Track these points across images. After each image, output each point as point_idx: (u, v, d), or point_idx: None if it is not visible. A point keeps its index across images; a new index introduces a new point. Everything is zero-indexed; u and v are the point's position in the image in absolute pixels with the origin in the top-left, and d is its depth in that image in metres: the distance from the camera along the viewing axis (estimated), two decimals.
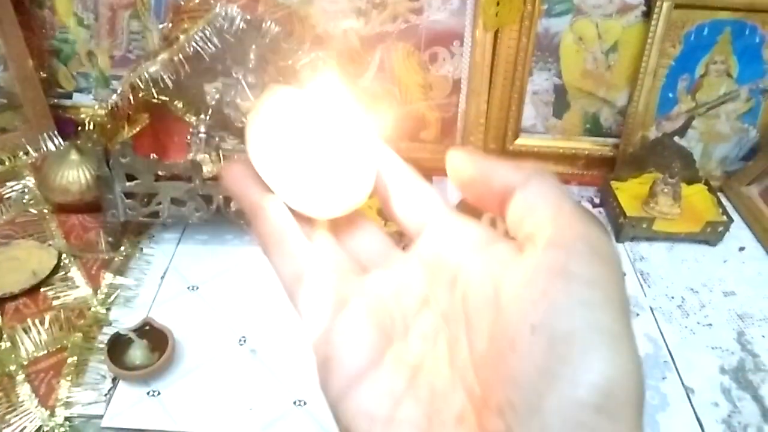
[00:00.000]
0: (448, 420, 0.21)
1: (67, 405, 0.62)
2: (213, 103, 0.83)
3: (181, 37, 0.77)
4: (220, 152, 0.81)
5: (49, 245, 0.81)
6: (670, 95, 0.98)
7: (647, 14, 0.92)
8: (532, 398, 0.18)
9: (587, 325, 0.18)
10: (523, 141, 1.04)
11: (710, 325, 0.78)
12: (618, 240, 0.90)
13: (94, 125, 0.80)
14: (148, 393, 0.64)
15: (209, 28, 0.76)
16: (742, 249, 0.90)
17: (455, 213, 0.26)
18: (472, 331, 0.22)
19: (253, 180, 0.26)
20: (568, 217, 0.21)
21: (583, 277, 0.19)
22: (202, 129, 0.82)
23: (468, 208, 0.31)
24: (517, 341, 0.19)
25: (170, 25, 0.82)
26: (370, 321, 0.24)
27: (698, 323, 0.78)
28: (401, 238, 0.80)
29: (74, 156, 0.85)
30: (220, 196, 0.77)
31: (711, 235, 0.89)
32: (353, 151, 0.26)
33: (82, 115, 1.00)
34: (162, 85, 0.78)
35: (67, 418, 0.62)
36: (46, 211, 0.87)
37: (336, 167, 0.26)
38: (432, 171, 1.00)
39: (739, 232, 0.93)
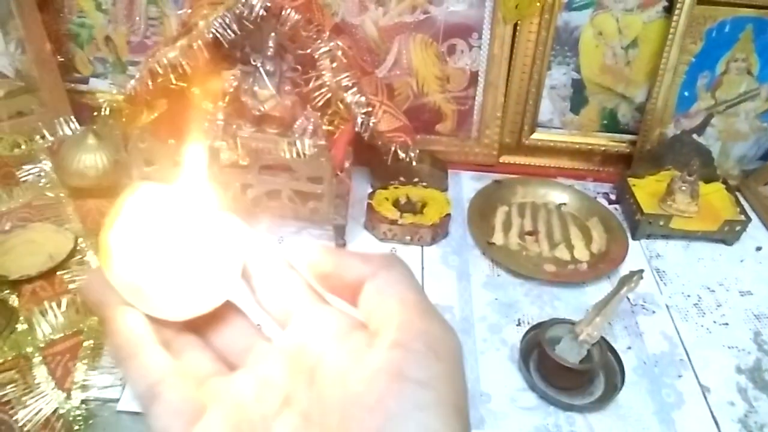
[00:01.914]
0: None
1: (84, 388, 0.63)
2: (231, 90, 0.83)
3: (201, 23, 0.76)
4: (237, 140, 0.81)
5: (66, 229, 0.81)
6: (689, 92, 0.97)
7: (669, 10, 0.91)
8: None
9: (420, 429, 0.19)
10: (540, 135, 1.03)
11: (726, 324, 0.77)
12: (634, 237, 0.89)
13: (111, 110, 0.80)
14: None
15: (228, 15, 0.75)
16: (759, 249, 0.90)
17: (321, 302, 0.26)
18: (325, 431, 0.22)
19: (109, 290, 0.25)
20: (411, 313, 0.22)
21: (417, 380, 0.20)
22: (220, 116, 0.82)
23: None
24: None
25: (189, 10, 0.82)
26: (229, 429, 0.23)
27: (714, 322, 0.77)
28: (416, 232, 0.79)
29: (91, 140, 0.85)
30: (237, 184, 0.77)
31: (728, 234, 0.89)
32: (213, 251, 0.26)
33: (99, 100, 1.00)
34: (180, 71, 0.77)
35: (83, 401, 0.62)
36: (62, 195, 0.87)
37: (189, 270, 0.26)
38: (447, 164, 1.01)
39: (756, 231, 0.92)
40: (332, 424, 0.22)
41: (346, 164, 0.82)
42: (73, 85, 1.03)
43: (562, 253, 0.85)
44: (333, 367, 0.23)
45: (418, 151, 0.87)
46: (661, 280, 0.83)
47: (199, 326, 0.27)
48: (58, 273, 0.75)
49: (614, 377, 0.67)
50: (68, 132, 0.94)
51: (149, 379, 0.24)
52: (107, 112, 0.84)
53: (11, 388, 0.62)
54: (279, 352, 0.26)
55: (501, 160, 1.04)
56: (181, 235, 0.26)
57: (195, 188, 0.27)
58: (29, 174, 0.89)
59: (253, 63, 0.81)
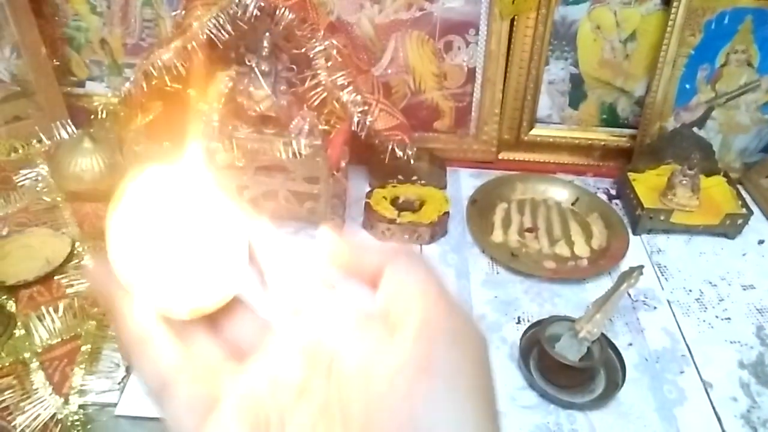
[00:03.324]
0: None
1: (81, 393, 0.62)
2: (226, 90, 0.82)
3: (195, 24, 0.76)
4: (233, 141, 0.80)
5: (63, 233, 0.81)
6: (689, 85, 0.97)
7: (667, 2, 0.91)
8: None
9: (451, 418, 0.20)
10: (539, 131, 1.03)
11: (729, 319, 0.76)
12: (635, 232, 0.88)
13: (107, 113, 0.80)
14: None
15: (222, 15, 0.75)
16: (761, 242, 0.89)
17: (332, 291, 0.26)
18: (348, 421, 0.22)
19: (116, 282, 0.25)
20: (433, 303, 0.22)
21: (446, 372, 0.20)
22: (215, 117, 0.81)
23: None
24: None
25: (183, 12, 0.81)
26: (243, 420, 0.23)
27: (717, 317, 0.77)
28: (415, 231, 0.79)
29: (87, 144, 0.85)
30: (233, 185, 0.77)
31: (730, 227, 0.88)
32: (221, 242, 0.25)
33: (95, 103, 1.00)
34: (175, 73, 0.77)
35: (81, 406, 0.62)
36: (59, 199, 0.86)
37: (198, 265, 0.25)
38: (445, 161, 1.01)
39: (758, 225, 0.91)
40: (354, 414, 0.21)
41: (343, 164, 0.81)
42: (69, 88, 1.03)
43: (562, 249, 0.85)
44: (353, 359, 0.23)
45: (415, 149, 0.87)
46: (663, 276, 0.82)
47: (209, 317, 0.26)
48: (55, 278, 0.75)
49: (615, 374, 0.67)
50: (65, 136, 0.94)
51: (160, 374, 0.24)
52: (103, 115, 0.84)
53: (9, 393, 0.62)
54: (292, 343, 0.25)
55: (500, 157, 1.04)
56: (187, 225, 0.25)
57: (199, 178, 0.26)
58: (26, 178, 0.89)
59: (248, 63, 0.81)
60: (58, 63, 1.00)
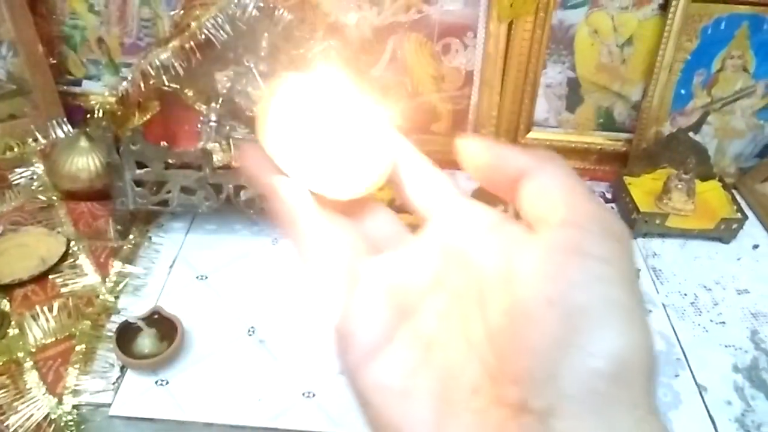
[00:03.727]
0: (464, 390, 0.22)
1: (75, 393, 0.62)
2: (224, 91, 0.82)
3: (193, 24, 0.76)
4: (231, 141, 0.80)
5: (58, 232, 0.80)
6: (685, 90, 0.97)
7: (664, 7, 0.91)
8: (548, 367, 0.19)
9: (602, 299, 0.19)
10: (535, 135, 1.03)
11: (723, 323, 0.77)
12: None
13: (104, 112, 0.79)
14: (156, 382, 0.64)
15: (221, 15, 0.75)
16: (756, 247, 0.89)
17: (466, 198, 0.26)
18: (486, 306, 0.22)
19: (267, 163, 0.26)
20: (581, 200, 0.22)
21: (597, 255, 0.20)
22: (213, 117, 0.81)
23: (484, 196, 0.31)
24: (534, 314, 0.20)
25: (182, 11, 0.81)
26: (384, 297, 0.24)
27: (711, 321, 0.77)
28: (413, 233, 0.79)
29: (84, 143, 0.85)
30: (230, 186, 0.77)
31: (725, 232, 0.88)
32: (368, 136, 0.27)
33: (92, 102, 0.99)
34: (173, 73, 0.77)
35: (75, 406, 0.61)
36: (54, 198, 0.86)
37: (351, 149, 0.26)
38: (443, 164, 1.00)
39: (753, 229, 0.92)
40: (494, 299, 0.22)
41: None
42: (65, 87, 1.02)
43: None
44: (491, 252, 0.23)
45: None
46: (658, 279, 0.83)
47: (348, 212, 0.27)
48: (50, 277, 0.74)
49: None
50: (61, 134, 0.94)
51: (311, 242, 0.25)
52: (100, 115, 0.83)
53: (2, 393, 0.62)
54: (428, 238, 0.26)
55: None
56: (334, 120, 0.27)
57: (344, 82, 0.27)
58: (21, 177, 0.88)
59: (246, 64, 0.81)
60: (54, 61, 0.99)
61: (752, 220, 0.92)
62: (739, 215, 0.89)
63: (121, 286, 0.74)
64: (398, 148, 0.27)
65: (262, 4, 0.75)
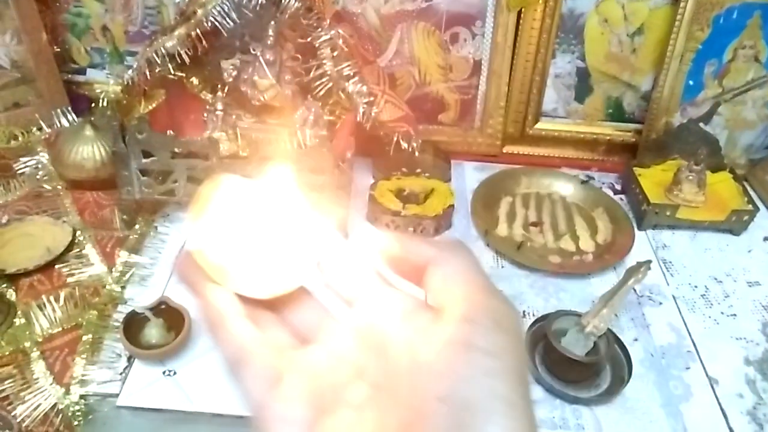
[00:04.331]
0: None
1: (83, 383, 0.62)
2: (230, 80, 0.82)
3: (199, 11, 0.75)
4: (237, 130, 0.79)
5: (64, 222, 0.80)
6: (696, 80, 0.96)
7: None
8: None
9: (488, 393, 0.21)
10: (544, 125, 1.02)
11: (734, 315, 0.76)
12: (640, 228, 0.88)
13: (109, 101, 0.79)
14: (163, 372, 0.63)
15: (227, 3, 0.74)
16: (767, 239, 0.89)
17: (388, 284, 0.28)
18: (397, 399, 0.24)
19: (199, 271, 0.28)
20: (476, 292, 0.24)
21: (485, 349, 0.22)
22: (219, 106, 0.80)
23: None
24: (427, 410, 0.22)
25: None
26: (304, 396, 0.25)
27: (722, 313, 0.76)
28: (419, 223, 0.78)
29: (89, 132, 0.84)
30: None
31: (735, 224, 0.87)
32: (293, 238, 0.28)
33: (97, 91, 0.99)
34: (179, 61, 0.76)
35: (82, 396, 0.61)
36: (60, 187, 0.85)
37: (271, 252, 0.28)
38: (450, 154, 1.00)
39: (763, 221, 0.91)
40: (402, 391, 0.23)
41: (348, 155, 0.81)
42: (69, 75, 1.01)
43: (567, 244, 0.84)
44: (402, 341, 0.24)
45: (420, 141, 0.86)
46: (668, 271, 0.82)
47: (276, 305, 0.29)
48: (56, 266, 0.74)
49: (621, 370, 0.66)
50: (65, 123, 0.93)
51: (237, 345, 0.26)
52: (105, 103, 0.83)
53: (9, 383, 0.61)
54: (349, 329, 0.27)
55: (504, 150, 1.03)
56: (263, 223, 0.28)
57: (277, 182, 0.29)
58: (26, 166, 0.88)
59: (253, 52, 0.80)
60: (58, 50, 0.98)
61: (763, 211, 0.92)
62: (750, 207, 0.88)
63: (127, 275, 0.74)
64: (324, 243, 0.29)
65: None
